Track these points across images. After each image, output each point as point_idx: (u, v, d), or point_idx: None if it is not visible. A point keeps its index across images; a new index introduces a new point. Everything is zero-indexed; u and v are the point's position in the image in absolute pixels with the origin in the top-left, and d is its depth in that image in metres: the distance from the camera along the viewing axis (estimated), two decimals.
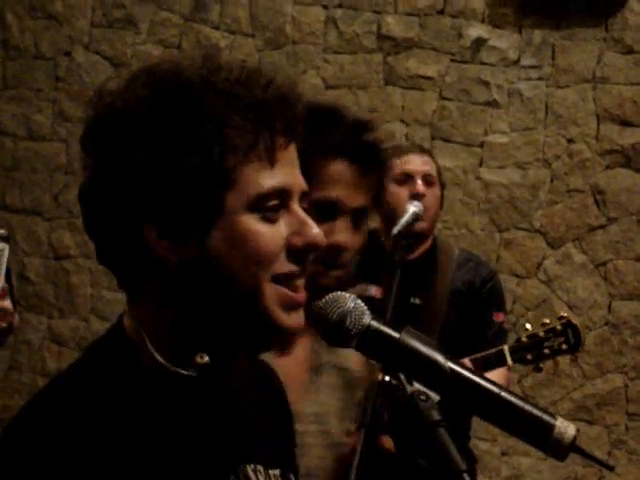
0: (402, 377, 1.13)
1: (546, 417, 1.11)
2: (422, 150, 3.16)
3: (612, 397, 4.55)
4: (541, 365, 2.70)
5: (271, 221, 1.09)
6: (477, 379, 1.15)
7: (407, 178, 3.00)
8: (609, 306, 4.58)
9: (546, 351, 2.68)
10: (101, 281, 5.20)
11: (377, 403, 2.59)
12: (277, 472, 1.21)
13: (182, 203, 1.06)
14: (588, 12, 4.59)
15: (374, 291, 2.91)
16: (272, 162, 1.09)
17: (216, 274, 1.07)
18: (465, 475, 1.05)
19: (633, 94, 4.56)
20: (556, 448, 1.10)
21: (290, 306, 1.10)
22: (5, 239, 3.26)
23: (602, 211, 4.59)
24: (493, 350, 2.69)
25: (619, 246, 4.57)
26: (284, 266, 1.09)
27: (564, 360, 4.52)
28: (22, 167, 5.31)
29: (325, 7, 4.98)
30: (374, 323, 1.13)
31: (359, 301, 1.15)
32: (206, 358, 1.10)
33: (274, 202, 1.09)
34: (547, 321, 2.71)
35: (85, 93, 5.19)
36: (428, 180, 3.00)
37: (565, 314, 2.74)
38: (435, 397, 1.12)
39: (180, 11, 5.14)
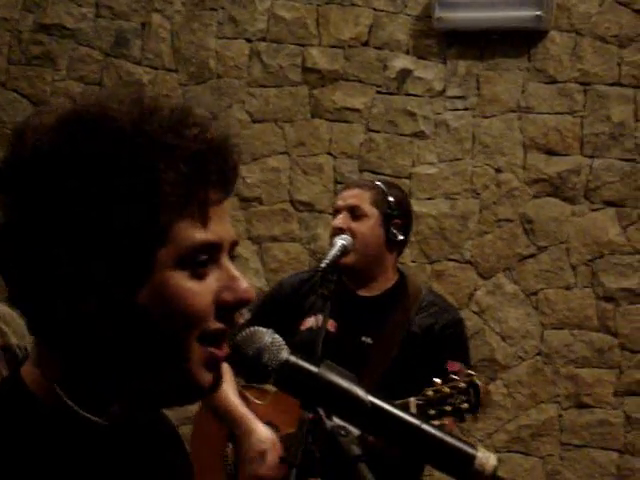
0: (321, 412, 1.12)
1: (467, 448, 1.11)
2: (360, 184, 3.09)
3: (546, 427, 4.54)
4: (445, 422, 2.65)
5: (200, 277, 1.05)
6: (398, 412, 1.14)
7: (336, 213, 3.00)
8: (541, 336, 4.57)
9: (448, 408, 2.64)
10: None
11: (308, 441, 2.53)
12: None
13: (111, 258, 1.02)
14: (511, 42, 4.63)
15: (330, 325, 2.86)
16: (205, 217, 1.05)
17: (141, 331, 1.04)
18: None
19: (557, 123, 4.59)
20: (477, 479, 1.10)
21: (213, 364, 1.08)
22: None
23: (531, 240, 4.60)
24: (399, 402, 2.62)
25: (549, 275, 4.58)
26: (213, 324, 1.06)
27: (497, 390, 4.53)
28: None
29: (249, 40, 4.95)
30: (292, 358, 1.12)
31: (276, 336, 1.13)
32: (119, 408, 1.08)
33: (204, 257, 1.06)
34: (454, 376, 2.66)
35: (3, 132, 5.06)
36: (355, 213, 2.96)
37: (472, 372, 2.69)
38: (355, 432, 1.11)
39: (100, 46, 5.06)
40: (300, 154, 4.84)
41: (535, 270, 4.59)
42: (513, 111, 4.64)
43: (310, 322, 2.93)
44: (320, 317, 2.81)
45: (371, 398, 1.13)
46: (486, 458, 1.10)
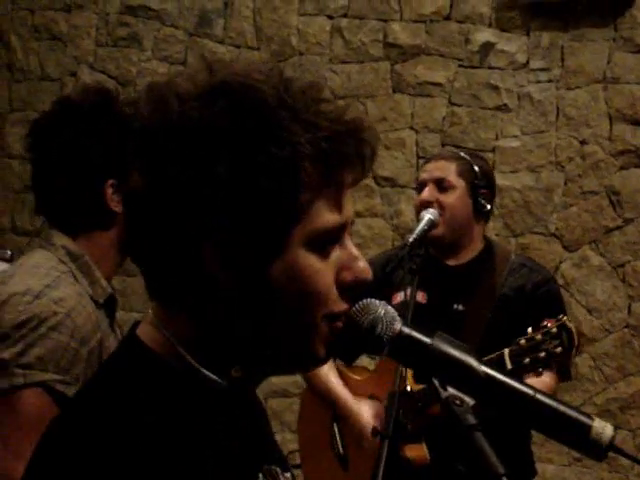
0: (436, 382, 1.13)
1: (583, 418, 1.11)
2: (444, 156, 3.08)
3: (635, 400, 4.49)
4: (540, 369, 2.63)
5: (326, 256, 1.08)
6: (512, 382, 1.14)
7: (422, 186, 2.98)
8: (629, 308, 4.52)
9: (542, 354, 2.61)
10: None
11: (400, 413, 2.56)
12: (288, 475, 1.24)
13: (251, 229, 1.03)
14: (596, 12, 4.55)
15: (419, 296, 2.88)
16: (340, 200, 1.07)
17: (272, 305, 1.06)
18: (504, 479, 1.04)
19: None
20: (594, 449, 1.10)
21: (330, 340, 1.10)
22: (8, 260, 3.23)
23: (618, 212, 4.54)
24: (494, 355, 2.62)
25: (636, 247, 4.52)
26: (338, 305, 1.09)
27: (584, 363, 4.50)
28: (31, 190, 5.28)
29: (330, 17, 4.96)
30: (406, 329, 1.13)
31: (389, 307, 1.14)
32: (240, 372, 1.11)
33: (332, 237, 1.08)
34: (546, 324, 2.64)
35: None
36: (442, 185, 2.94)
37: (562, 316, 2.66)
38: (470, 401, 1.12)
39: (184, 27, 5.13)
40: (382, 129, 4.84)
41: (622, 242, 4.54)
42: (598, 82, 4.58)
43: (400, 296, 2.95)
44: (409, 290, 2.83)
45: (485, 368, 1.13)
46: (602, 428, 1.10)
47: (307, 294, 1.06)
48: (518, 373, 2.60)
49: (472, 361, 1.14)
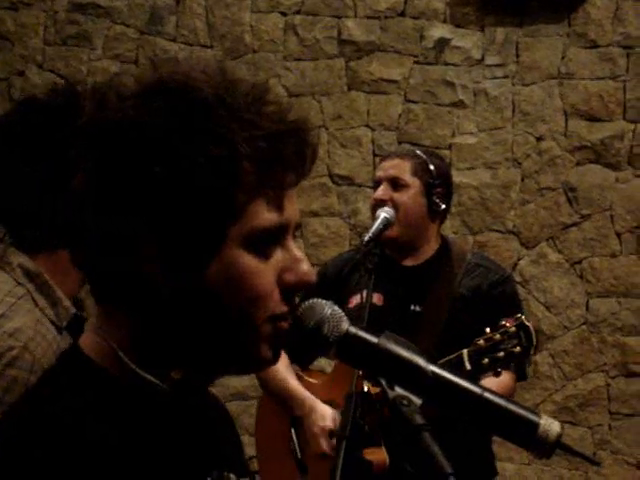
0: (383, 382, 1.12)
1: (530, 416, 1.10)
2: (400, 154, 3.04)
3: (594, 397, 4.49)
4: (499, 369, 2.61)
5: (266, 257, 1.07)
6: (460, 381, 1.13)
7: (377, 184, 2.96)
8: (587, 305, 4.52)
9: (500, 354, 2.59)
10: None
11: (357, 414, 2.52)
12: None
13: (187, 228, 1.03)
14: (550, 8, 4.55)
15: (376, 298, 2.84)
16: (280, 200, 1.07)
17: (209, 307, 1.06)
18: (450, 478, 1.04)
19: (599, 89, 4.52)
20: (541, 446, 1.10)
21: (275, 341, 1.09)
22: None
23: (575, 208, 4.54)
24: (453, 355, 2.59)
25: (594, 243, 4.52)
26: (280, 307, 1.08)
27: (543, 361, 4.49)
28: None
29: (284, 14, 4.91)
30: (352, 329, 1.12)
31: (336, 307, 1.13)
32: (180, 374, 1.09)
33: (272, 237, 1.07)
34: (504, 323, 2.61)
35: None
36: (396, 184, 2.91)
37: (520, 315, 2.64)
38: (417, 401, 1.10)
39: (135, 24, 5.05)
40: (338, 127, 4.80)
41: (579, 238, 4.53)
42: (553, 78, 4.57)
43: (357, 299, 2.92)
44: (365, 292, 2.79)
45: (432, 367, 1.11)
46: (549, 425, 1.09)
47: (245, 294, 1.05)
48: (477, 373, 2.57)
49: (419, 360, 1.12)
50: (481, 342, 2.60)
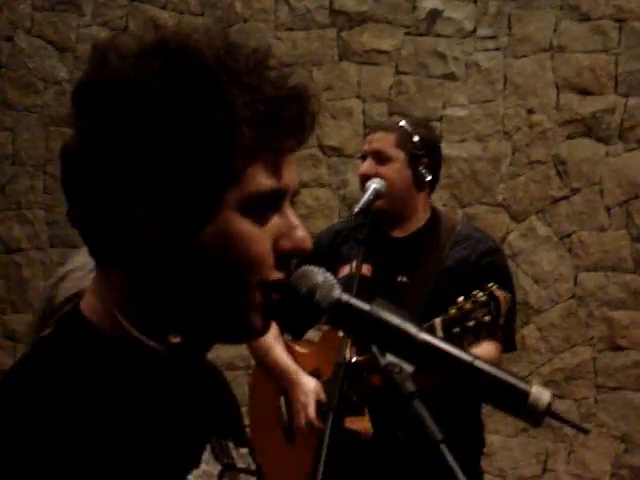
0: (375, 350, 1.11)
1: (521, 384, 1.11)
2: (385, 127, 3.04)
3: (580, 370, 4.51)
4: (471, 338, 2.61)
5: (262, 222, 1.06)
6: (451, 349, 1.13)
7: (364, 158, 2.97)
8: (575, 278, 4.53)
9: (470, 323, 2.60)
10: (54, 273, 5.06)
11: (344, 385, 2.53)
12: (245, 450, 1.22)
13: (183, 191, 1.03)
14: None
15: (365, 269, 2.84)
16: (277, 165, 1.06)
17: (203, 269, 1.05)
18: (441, 445, 1.04)
19: (591, 62, 4.50)
20: (531, 414, 1.10)
21: (267, 310, 1.09)
22: None
23: (565, 182, 4.54)
24: (426, 324, 2.60)
25: (583, 217, 4.52)
26: (273, 274, 1.08)
27: (531, 334, 4.50)
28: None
29: None
30: (344, 296, 1.11)
31: (328, 274, 1.12)
32: (178, 338, 1.10)
33: (269, 203, 1.07)
34: (476, 292, 2.61)
35: (30, 79, 5.04)
36: (380, 157, 2.92)
37: (491, 285, 2.63)
38: (409, 368, 1.10)
39: None
40: (329, 98, 4.78)
41: (568, 212, 4.54)
42: (545, 50, 4.55)
43: (346, 270, 2.92)
44: (355, 263, 2.80)
45: (423, 335, 1.11)
46: (540, 393, 1.09)
47: (239, 258, 1.05)
48: (450, 341, 2.57)
49: (411, 327, 1.11)
50: (453, 311, 2.61)
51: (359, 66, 4.78)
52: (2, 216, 5.16)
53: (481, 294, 2.60)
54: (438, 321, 2.61)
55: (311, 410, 2.84)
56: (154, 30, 1.08)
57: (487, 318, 2.58)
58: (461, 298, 2.61)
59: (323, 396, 2.84)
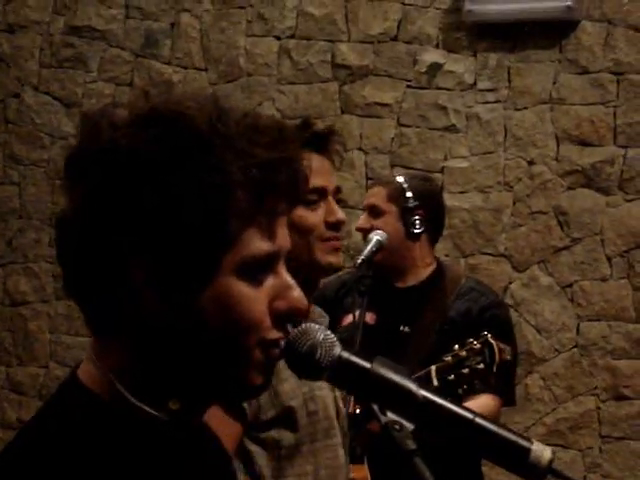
0: (375, 408, 1.12)
1: (522, 441, 1.11)
2: (380, 182, 3.14)
3: (585, 420, 4.50)
4: (465, 386, 2.63)
5: (258, 284, 1.07)
6: (451, 406, 1.14)
7: (364, 212, 3.06)
8: (577, 328, 4.54)
9: (465, 371, 2.62)
10: (60, 326, 5.09)
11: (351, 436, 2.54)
12: None
13: (179, 258, 1.03)
14: (542, 34, 4.59)
15: (368, 317, 2.88)
16: (272, 228, 1.07)
17: (201, 333, 1.05)
18: None
19: (590, 114, 4.56)
20: (533, 472, 1.10)
21: (267, 368, 1.10)
22: None
23: (566, 232, 4.57)
24: (422, 372, 2.62)
25: (584, 267, 4.54)
26: (271, 333, 1.08)
27: (534, 383, 4.50)
28: None
29: (278, 38, 4.95)
30: (345, 354, 1.12)
31: (329, 332, 1.13)
32: (178, 404, 1.09)
33: (264, 265, 1.07)
34: (471, 341, 2.64)
35: (37, 134, 5.10)
36: (374, 211, 3.03)
37: (486, 333, 2.65)
38: (409, 426, 1.11)
39: (130, 47, 5.08)
40: None
41: (570, 262, 4.56)
42: (545, 103, 4.61)
43: (349, 319, 2.95)
44: (358, 312, 2.83)
45: (424, 392, 1.12)
46: (541, 451, 1.10)
47: (238, 321, 1.05)
48: (444, 389, 2.60)
49: (411, 385, 1.12)
50: (448, 359, 2.64)
51: (361, 119, 4.84)
52: (9, 269, 5.20)
53: (475, 342, 2.62)
54: (434, 368, 2.64)
55: None
56: (145, 99, 1.08)
57: (481, 366, 2.61)
58: (456, 346, 2.64)
59: None
